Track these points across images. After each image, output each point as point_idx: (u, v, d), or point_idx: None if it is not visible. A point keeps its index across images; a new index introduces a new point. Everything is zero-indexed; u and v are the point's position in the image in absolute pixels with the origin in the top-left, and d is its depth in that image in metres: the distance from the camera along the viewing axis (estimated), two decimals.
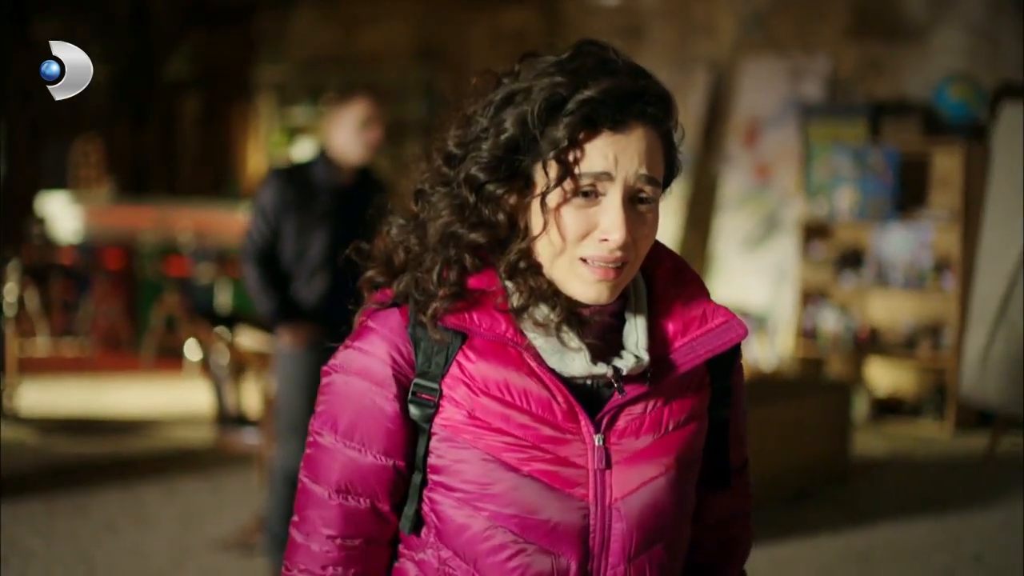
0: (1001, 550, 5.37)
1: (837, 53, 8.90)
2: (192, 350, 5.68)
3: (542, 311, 1.48)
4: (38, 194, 11.73)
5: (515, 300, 1.48)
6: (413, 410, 1.50)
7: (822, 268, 8.50)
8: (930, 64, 8.45)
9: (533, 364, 1.48)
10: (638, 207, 1.47)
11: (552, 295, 1.49)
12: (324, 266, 4.57)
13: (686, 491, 1.55)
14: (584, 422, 1.48)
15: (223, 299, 10.11)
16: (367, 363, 1.51)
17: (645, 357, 1.50)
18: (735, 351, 1.59)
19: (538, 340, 1.48)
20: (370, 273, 1.58)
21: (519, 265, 1.48)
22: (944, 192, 8.11)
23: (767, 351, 8.86)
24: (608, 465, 1.48)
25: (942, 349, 8.05)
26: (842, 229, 8.47)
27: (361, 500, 1.53)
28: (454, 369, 1.49)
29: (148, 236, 10.92)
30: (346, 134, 4.62)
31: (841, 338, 8.37)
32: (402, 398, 1.50)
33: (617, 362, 1.49)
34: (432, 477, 1.51)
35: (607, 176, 1.44)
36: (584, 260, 1.46)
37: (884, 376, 8.45)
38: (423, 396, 1.49)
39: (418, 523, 1.54)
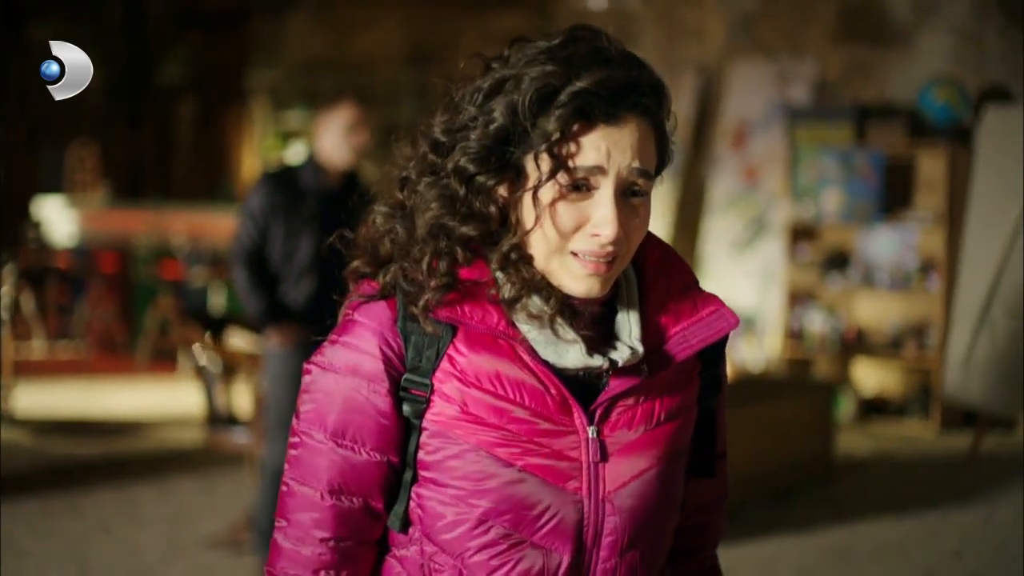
0: (980, 548, 5.44)
1: (823, 57, 8.97)
2: (191, 355, 5.76)
3: (536, 303, 1.45)
4: (34, 198, 11.77)
5: (507, 291, 1.44)
6: (404, 406, 1.46)
7: (809, 270, 8.57)
8: (915, 67, 8.52)
9: (525, 356, 1.44)
10: (630, 200, 1.43)
11: (545, 286, 1.45)
12: (311, 268, 4.65)
13: (676, 483, 1.53)
14: (578, 414, 1.45)
15: (217, 302, 10.16)
16: (356, 358, 1.46)
17: (640, 348, 1.47)
18: (724, 339, 1.56)
19: (531, 332, 1.45)
20: (355, 263, 1.53)
21: (511, 256, 1.44)
22: (929, 194, 8.17)
23: (755, 352, 8.93)
24: (604, 458, 1.45)
25: (927, 349, 8.12)
26: (828, 231, 8.54)
27: (355, 500, 1.48)
28: (444, 363, 1.45)
29: (143, 240, 10.97)
30: (333, 138, 4.71)
31: (828, 339, 8.44)
32: (394, 393, 1.46)
33: (612, 354, 1.46)
34: (422, 473, 1.47)
35: (600, 170, 1.41)
36: (575, 254, 1.43)
37: (870, 376, 8.52)
38: (414, 392, 1.45)
39: (407, 521, 1.50)
